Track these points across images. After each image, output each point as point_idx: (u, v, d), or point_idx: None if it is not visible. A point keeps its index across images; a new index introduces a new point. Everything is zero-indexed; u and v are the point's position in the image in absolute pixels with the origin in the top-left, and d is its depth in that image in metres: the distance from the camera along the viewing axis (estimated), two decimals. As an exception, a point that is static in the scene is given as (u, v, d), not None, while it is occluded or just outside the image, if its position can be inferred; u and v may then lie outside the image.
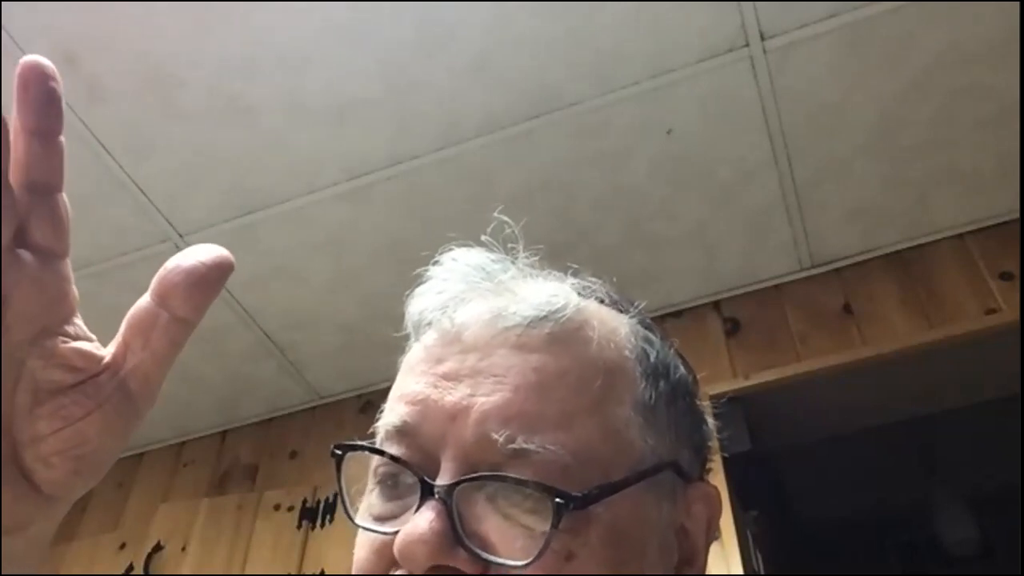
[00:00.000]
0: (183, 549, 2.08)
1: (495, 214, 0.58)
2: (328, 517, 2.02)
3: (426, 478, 0.48)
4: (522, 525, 0.47)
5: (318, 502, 2.05)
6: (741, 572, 1.59)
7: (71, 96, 1.53)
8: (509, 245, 0.57)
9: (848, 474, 2.81)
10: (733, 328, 1.99)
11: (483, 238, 0.57)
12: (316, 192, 1.74)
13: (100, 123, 1.59)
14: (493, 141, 1.67)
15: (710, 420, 0.59)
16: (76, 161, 1.62)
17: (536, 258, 0.57)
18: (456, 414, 0.49)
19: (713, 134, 1.69)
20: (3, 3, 1.40)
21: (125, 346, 0.38)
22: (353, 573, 0.51)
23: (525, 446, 0.47)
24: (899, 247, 1.95)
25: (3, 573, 0.37)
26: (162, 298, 0.37)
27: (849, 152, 1.74)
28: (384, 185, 1.73)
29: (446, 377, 0.51)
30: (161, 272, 0.37)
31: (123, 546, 2.14)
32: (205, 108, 1.57)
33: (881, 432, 2.27)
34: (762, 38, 1.53)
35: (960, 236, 1.92)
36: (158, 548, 2.09)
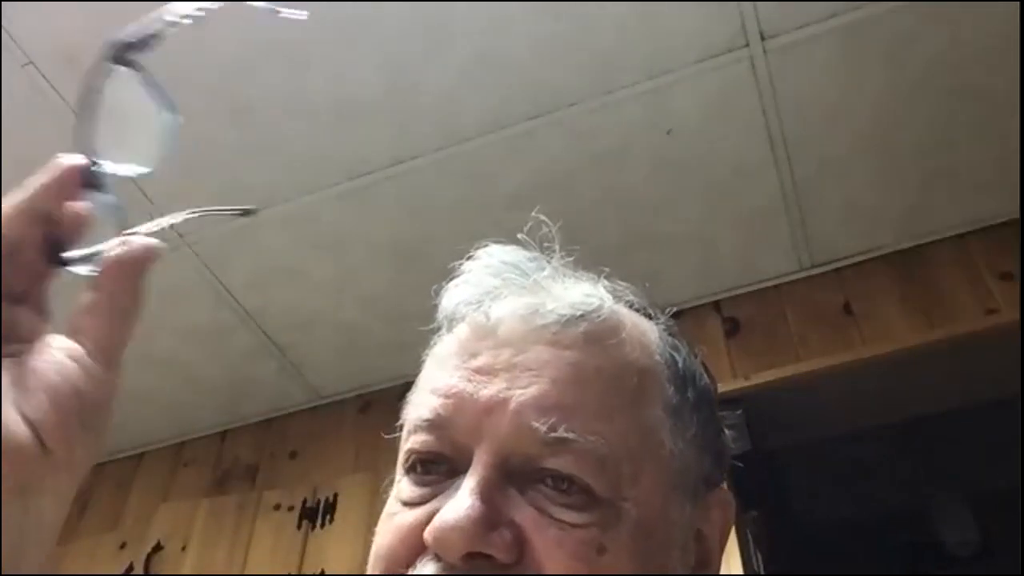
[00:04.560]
0: (183, 549, 2.08)
1: (533, 213, 0.58)
2: (328, 517, 2.02)
3: (460, 468, 0.49)
4: (554, 517, 0.47)
5: (318, 502, 2.05)
6: (741, 572, 1.59)
7: (71, 96, 1.53)
8: (544, 244, 0.57)
9: (848, 474, 2.81)
10: (733, 328, 1.99)
11: (519, 236, 0.57)
12: (316, 192, 1.74)
13: (100, 123, 1.58)
14: (493, 141, 1.66)
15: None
16: (76, 161, 1.63)
17: (571, 259, 0.57)
18: (492, 408, 0.49)
19: (713, 134, 1.69)
20: (3, 3, 1.40)
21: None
22: (374, 559, 0.51)
23: (566, 435, 0.48)
24: (899, 247, 1.95)
25: (20, 541, 0.37)
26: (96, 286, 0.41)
27: (849, 152, 1.73)
28: (384, 185, 1.73)
29: (480, 372, 0.51)
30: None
31: (123, 546, 2.14)
32: (205, 107, 1.57)
33: (881, 432, 2.27)
34: (762, 38, 1.53)
35: (960, 236, 1.92)
36: (158, 548, 2.09)
